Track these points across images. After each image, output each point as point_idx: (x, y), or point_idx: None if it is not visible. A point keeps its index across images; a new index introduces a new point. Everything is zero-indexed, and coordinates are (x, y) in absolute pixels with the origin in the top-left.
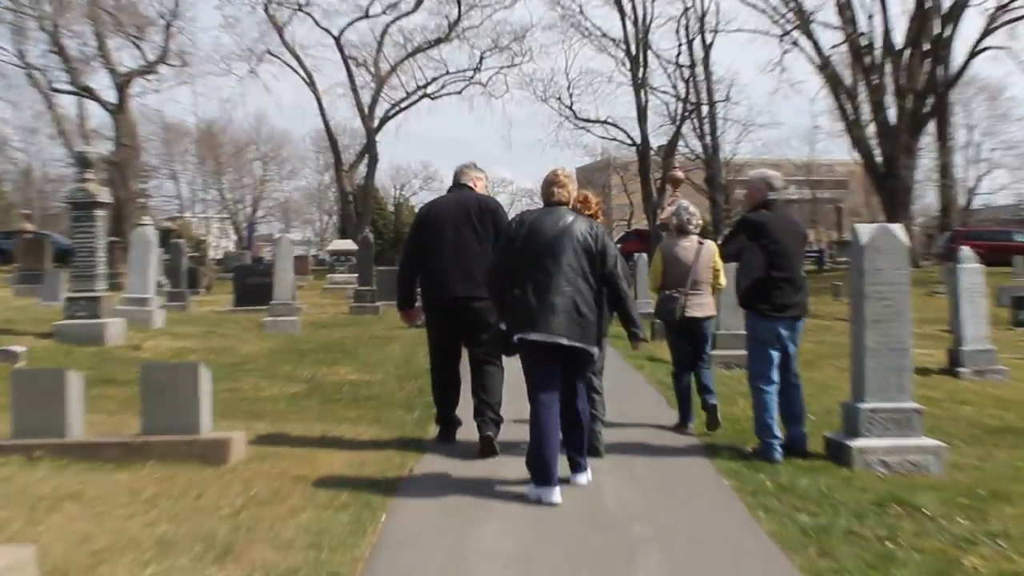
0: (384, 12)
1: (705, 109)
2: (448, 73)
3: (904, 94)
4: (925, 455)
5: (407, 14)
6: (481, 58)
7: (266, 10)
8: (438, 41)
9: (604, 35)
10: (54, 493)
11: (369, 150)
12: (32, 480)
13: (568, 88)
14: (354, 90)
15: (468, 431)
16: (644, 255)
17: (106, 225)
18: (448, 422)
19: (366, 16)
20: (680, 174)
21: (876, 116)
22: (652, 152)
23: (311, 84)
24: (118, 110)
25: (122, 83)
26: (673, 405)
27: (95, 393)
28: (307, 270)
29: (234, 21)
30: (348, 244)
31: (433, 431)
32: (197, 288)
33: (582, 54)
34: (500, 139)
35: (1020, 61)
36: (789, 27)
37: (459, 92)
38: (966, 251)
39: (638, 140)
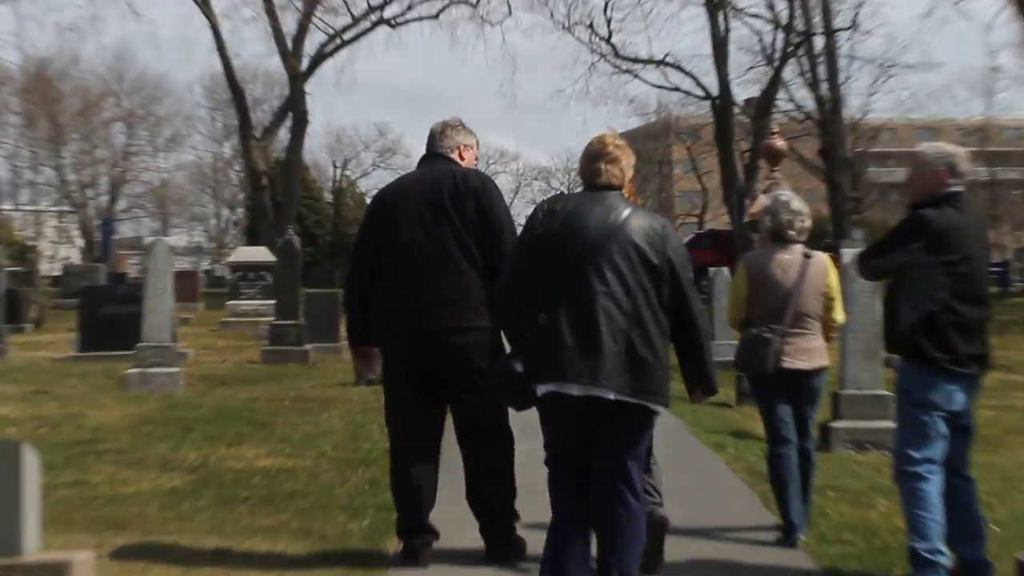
0: None
1: (820, 42)
2: None
3: None
4: None
5: None
6: None
7: None
8: None
9: None
10: None
11: (294, 106)
12: None
13: (605, 9)
14: (270, 11)
15: (451, 537)
16: (724, 270)
17: None
18: (416, 533)
19: None
20: (781, 143)
21: None
22: (737, 109)
23: (203, 2)
24: None
25: None
26: (771, 504)
27: None
28: (196, 294)
29: None
30: (260, 253)
31: (394, 546)
32: (21, 323)
33: None
34: (498, 90)
35: None
36: None
37: (435, 16)
38: None
39: (714, 91)
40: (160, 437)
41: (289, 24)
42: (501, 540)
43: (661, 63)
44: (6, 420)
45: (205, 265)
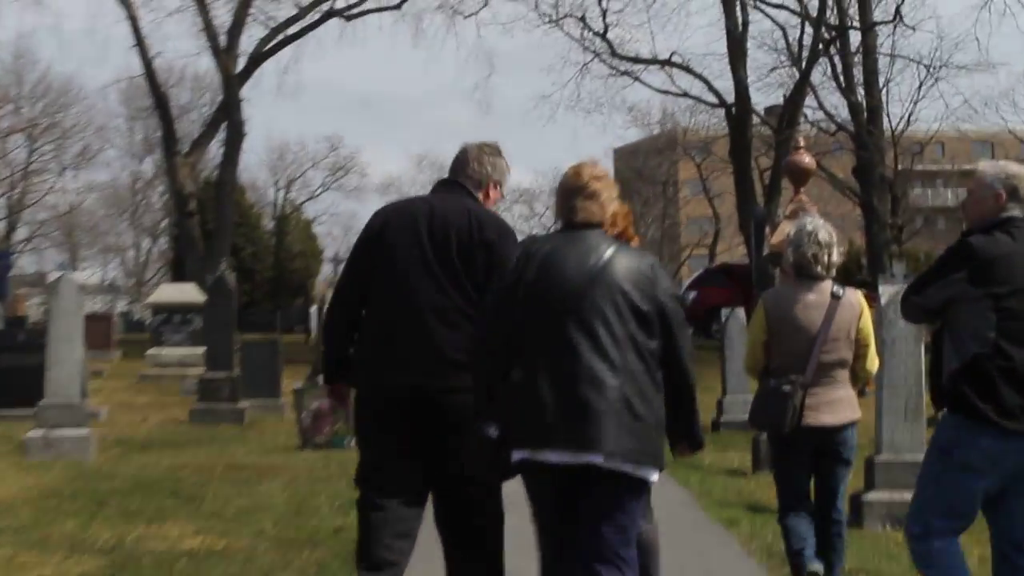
0: None
1: (855, 39)
2: None
3: None
4: None
5: None
6: None
7: None
8: None
9: None
10: None
11: (228, 115)
12: None
13: (600, 0)
14: (200, 2)
15: None
16: (740, 312)
17: None
18: None
19: None
20: (808, 159)
21: None
22: (756, 119)
23: None
24: None
25: None
26: None
27: None
28: (111, 341)
29: None
30: (187, 292)
31: None
32: None
33: None
34: (471, 95)
35: None
36: None
37: (397, 5)
38: None
39: (729, 97)
40: (67, 513)
41: (222, 16)
42: None
43: (666, 63)
44: None
45: (121, 307)
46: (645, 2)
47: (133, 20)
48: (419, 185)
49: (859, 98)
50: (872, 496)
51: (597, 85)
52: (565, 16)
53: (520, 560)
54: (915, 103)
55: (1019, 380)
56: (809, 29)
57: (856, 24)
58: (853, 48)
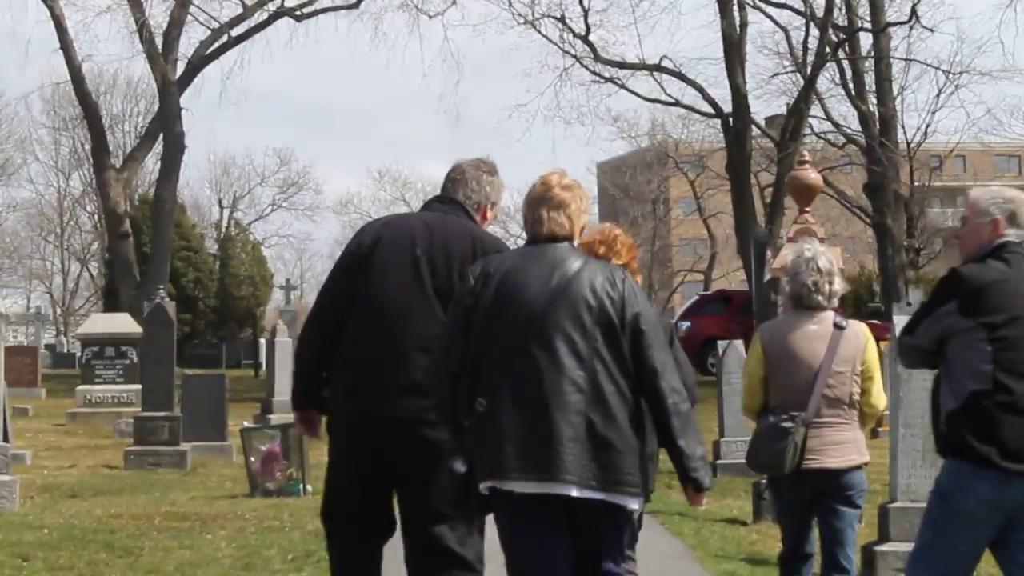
0: None
1: (866, 41)
2: None
3: None
4: None
5: None
6: None
7: None
8: None
9: None
10: None
11: (165, 126)
12: None
13: None
14: (133, 0)
15: None
16: (739, 344)
17: None
18: None
19: None
20: (814, 175)
21: None
22: (756, 130)
23: None
24: None
25: None
26: None
27: None
28: (36, 377)
29: None
30: (122, 322)
31: None
32: None
33: None
34: (438, 104)
35: None
36: None
37: (354, 5)
38: None
39: (726, 105)
40: None
41: (158, 16)
42: None
43: (656, 69)
44: None
45: (48, 338)
46: (631, 1)
47: (57, 20)
48: (380, 203)
49: (871, 107)
50: (886, 547)
51: (578, 93)
52: (542, 16)
53: None
54: (933, 113)
55: (1019, 416)
56: (815, 31)
57: (867, 25)
58: (864, 52)
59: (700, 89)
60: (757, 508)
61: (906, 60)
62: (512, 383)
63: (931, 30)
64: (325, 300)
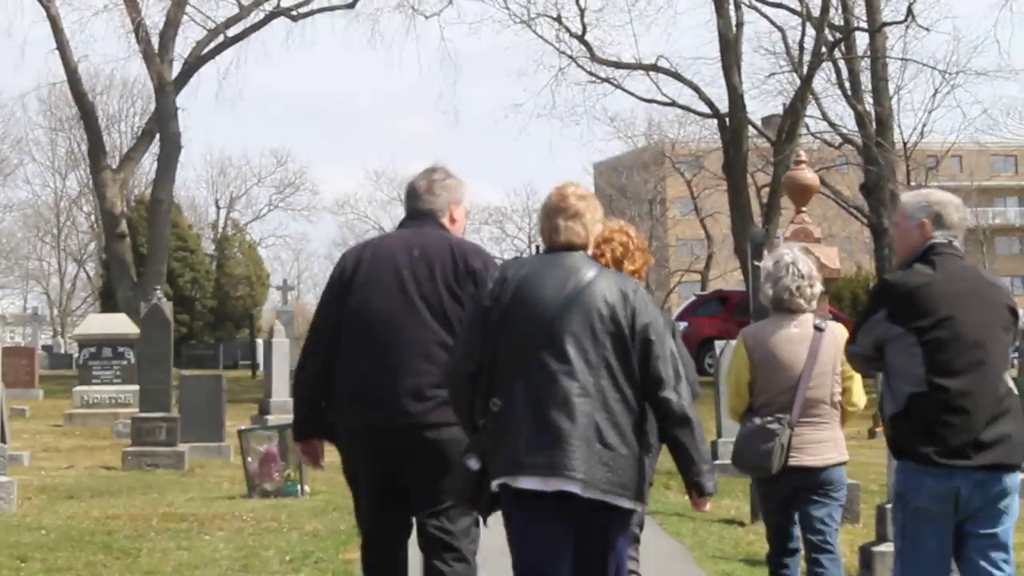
0: None
1: (863, 41)
2: None
3: None
4: None
5: None
6: None
7: None
8: None
9: None
10: None
11: (162, 126)
12: None
13: None
14: (130, 1)
15: None
16: (734, 343)
17: None
18: None
19: None
20: (810, 175)
21: None
22: (753, 130)
23: None
24: None
25: None
26: None
27: None
28: (33, 377)
29: None
30: (119, 323)
31: None
32: None
33: None
34: (434, 104)
35: None
36: None
37: (350, 5)
38: None
39: (722, 105)
40: None
41: (154, 16)
42: None
43: (652, 68)
44: None
45: (45, 339)
46: (627, 1)
47: (53, 20)
48: (377, 204)
49: (867, 107)
50: (884, 548)
51: (574, 92)
52: (539, 16)
53: None
54: (929, 112)
55: (960, 413)
56: (811, 30)
57: (864, 25)
58: (860, 51)
59: (696, 89)
60: (755, 509)
61: (902, 60)
62: (525, 385)
63: (927, 29)
64: (319, 327)
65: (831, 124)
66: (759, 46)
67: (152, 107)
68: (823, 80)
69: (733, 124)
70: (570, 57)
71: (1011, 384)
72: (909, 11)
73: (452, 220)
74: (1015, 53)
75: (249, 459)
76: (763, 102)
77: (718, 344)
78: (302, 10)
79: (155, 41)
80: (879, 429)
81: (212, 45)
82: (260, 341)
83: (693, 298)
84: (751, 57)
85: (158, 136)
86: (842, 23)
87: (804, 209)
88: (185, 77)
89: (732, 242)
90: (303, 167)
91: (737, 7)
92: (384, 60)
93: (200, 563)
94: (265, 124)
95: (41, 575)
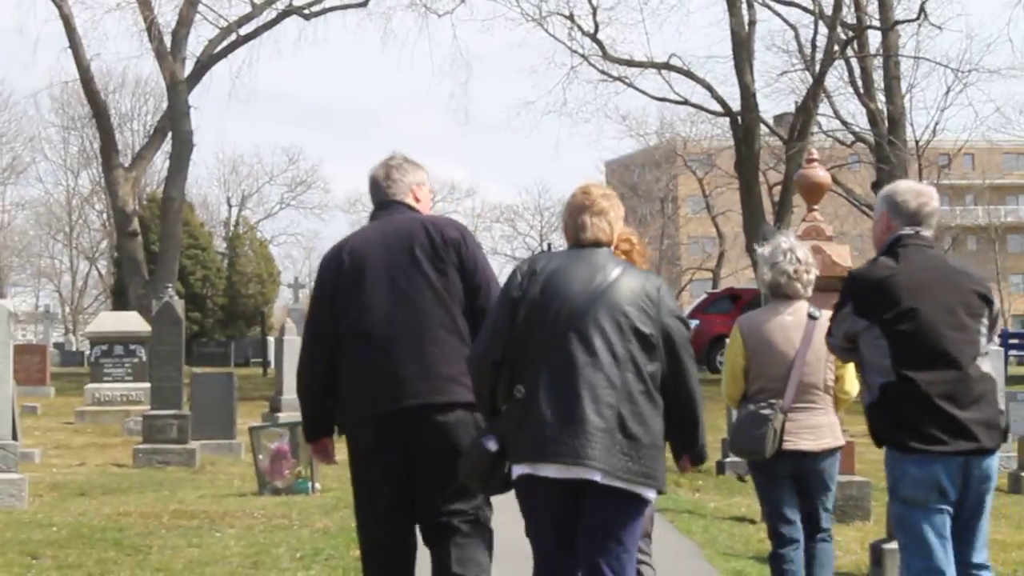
0: None
1: (875, 39)
2: None
3: None
4: None
5: None
6: None
7: None
8: None
9: None
10: None
11: (174, 125)
12: None
13: None
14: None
15: None
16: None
17: None
18: None
19: None
20: (822, 173)
21: None
22: (765, 129)
23: None
24: None
25: None
26: None
27: None
28: (45, 375)
29: None
30: (130, 320)
31: None
32: None
33: None
34: (446, 102)
35: None
36: None
37: (363, 3)
38: None
39: (734, 104)
40: None
41: (167, 14)
42: None
43: (664, 67)
44: None
45: (56, 337)
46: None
47: (66, 18)
48: None
49: (879, 105)
50: (894, 545)
51: (586, 91)
52: (550, 15)
53: None
54: (942, 111)
55: (927, 402)
56: (823, 29)
57: (876, 23)
58: (872, 50)
59: (709, 87)
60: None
61: (915, 58)
62: (550, 374)
63: (940, 28)
64: (314, 328)
65: (843, 122)
66: (771, 44)
67: (164, 105)
68: (835, 78)
69: (745, 122)
70: (582, 56)
71: (986, 369)
72: (922, 9)
73: (417, 200)
74: None
75: (260, 456)
76: (775, 100)
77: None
78: (314, 8)
79: (167, 40)
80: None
81: (224, 44)
82: (271, 339)
83: (704, 296)
84: (763, 55)
85: (170, 134)
86: (855, 21)
87: (816, 207)
88: (197, 75)
89: (744, 240)
90: (315, 165)
91: (749, 5)
92: (396, 59)
93: (211, 560)
94: (277, 122)
95: (52, 572)
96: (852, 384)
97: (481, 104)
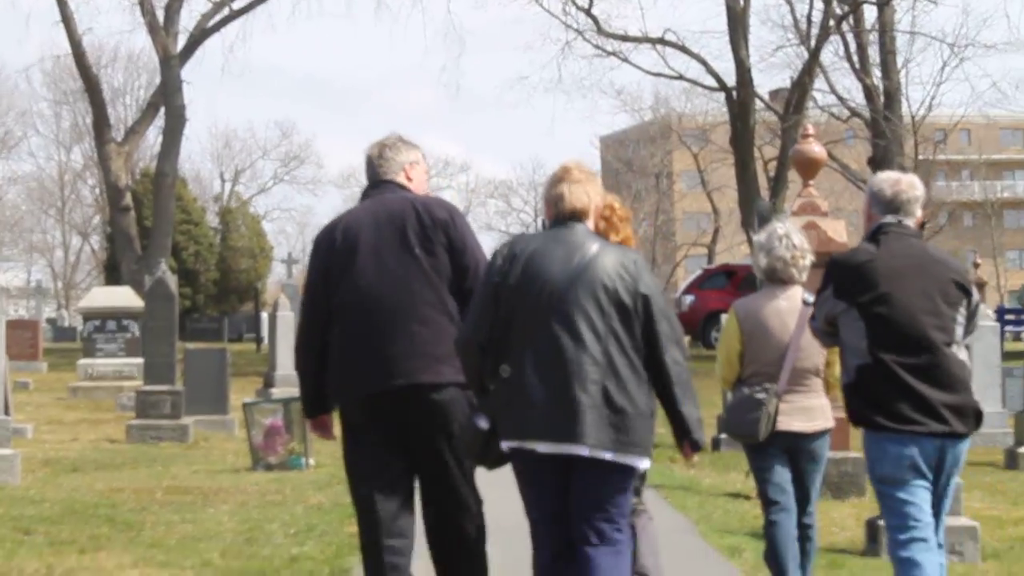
0: None
1: (871, 14)
2: None
3: None
4: None
5: None
6: None
7: None
8: None
9: None
10: None
11: (167, 99)
12: None
13: None
14: None
15: None
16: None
17: None
18: None
19: None
20: (818, 148)
21: None
22: (760, 104)
23: None
24: None
25: None
26: None
27: None
28: (37, 350)
29: None
30: (123, 296)
31: None
32: None
33: None
34: (439, 78)
35: None
36: None
37: None
38: None
39: (729, 79)
40: None
41: None
42: None
43: (659, 42)
44: None
45: (49, 312)
46: None
47: None
48: None
49: (875, 80)
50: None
51: (580, 66)
52: None
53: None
54: (938, 86)
55: (901, 383)
56: (819, 3)
57: (871, 0)
58: (868, 25)
59: (704, 62)
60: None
61: (911, 33)
62: (535, 353)
63: (935, 3)
64: (308, 306)
65: (839, 97)
66: (767, 19)
67: (157, 80)
68: (831, 53)
69: (740, 97)
70: (577, 31)
71: (961, 356)
72: None
73: (409, 179)
74: None
75: (253, 432)
76: (771, 75)
77: (724, 318)
78: None
79: (160, 14)
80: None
81: (218, 18)
82: (265, 314)
83: (700, 272)
84: (759, 30)
85: (163, 109)
86: None
87: (811, 183)
88: (190, 50)
89: (739, 216)
90: (308, 140)
91: None
92: (390, 32)
93: (204, 536)
94: (270, 97)
95: (45, 548)
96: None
97: (475, 80)
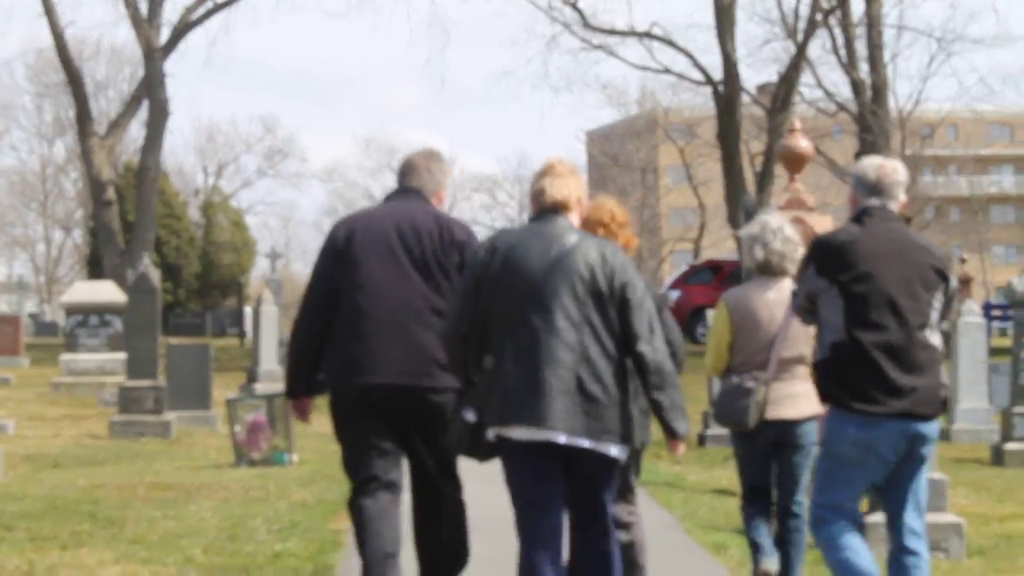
0: None
1: (858, 8)
2: None
3: None
4: None
5: None
6: None
7: None
8: None
9: None
10: None
11: (150, 93)
12: None
13: None
14: None
15: None
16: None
17: None
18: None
19: None
20: (805, 143)
21: None
22: (747, 98)
23: None
24: None
25: None
26: None
27: None
28: (18, 345)
29: None
30: (105, 291)
31: None
32: None
33: None
34: (423, 70)
35: None
36: None
37: None
38: None
39: (716, 73)
40: None
41: None
42: None
43: (645, 36)
44: None
45: (31, 307)
46: None
47: None
48: (366, 171)
49: (862, 75)
50: (878, 517)
51: (567, 60)
52: None
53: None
54: (925, 80)
55: (871, 364)
56: None
57: None
58: (855, 19)
59: (690, 56)
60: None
61: (898, 27)
62: (514, 344)
63: None
64: (312, 297)
65: (826, 92)
66: (754, 13)
67: (140, 73)
68: (818, 48)
69: (727, 92)
70: (563, 24)
71: (934, 340)
72: None
73: (439, 201)
74: (1013, 21)
75: (237, 428)
76: (757, 70)
77: (710, 313)
78: None
79: (143, 6)
80: None
81: (201, 10)
82: (248, 309)
83: (685, 267)
84: (746, 24)
85: (146, 103)
86: None
87: (798, 177)
88: (173, 43)
89: (725, 211)
90: (292, 134)
91: None
92: (373, 25)
93: (187, 532)
94: (254, 91)
95: (26, 544)
96: None
97: (460, 74)
